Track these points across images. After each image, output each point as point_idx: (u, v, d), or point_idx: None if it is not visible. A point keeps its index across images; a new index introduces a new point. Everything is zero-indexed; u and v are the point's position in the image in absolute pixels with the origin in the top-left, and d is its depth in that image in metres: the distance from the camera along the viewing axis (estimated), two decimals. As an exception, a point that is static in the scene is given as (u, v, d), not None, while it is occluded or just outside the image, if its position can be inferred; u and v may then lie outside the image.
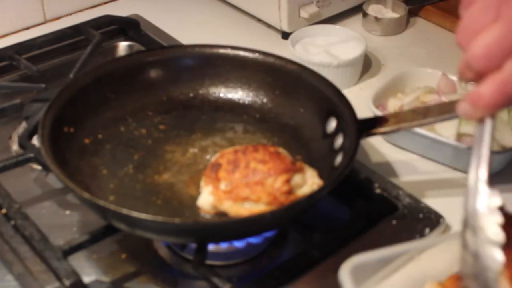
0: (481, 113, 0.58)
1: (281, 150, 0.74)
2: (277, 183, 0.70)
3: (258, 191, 0.70)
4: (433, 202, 0.77)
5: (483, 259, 0.56)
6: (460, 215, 0.76)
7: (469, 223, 0.58)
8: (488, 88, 0.56)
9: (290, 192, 0.71)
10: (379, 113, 0.84)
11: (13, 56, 0.98)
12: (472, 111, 0.58)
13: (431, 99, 0.87)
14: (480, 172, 0.58)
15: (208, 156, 0.80)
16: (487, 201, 0.57)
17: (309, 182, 0.72)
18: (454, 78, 0.91)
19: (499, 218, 0.56)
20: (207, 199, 0.72)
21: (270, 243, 0.76)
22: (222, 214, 0.71)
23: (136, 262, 0.75)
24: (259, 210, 0.69)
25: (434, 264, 0.62)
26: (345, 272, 0.58)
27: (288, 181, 0.70)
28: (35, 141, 0.82)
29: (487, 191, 0.57)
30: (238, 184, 0.70)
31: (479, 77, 0.57)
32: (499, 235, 0.56)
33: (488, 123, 0.59)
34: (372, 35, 1.09)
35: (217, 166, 0.72)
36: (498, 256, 0.55)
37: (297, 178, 0.71)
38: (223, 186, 0.71)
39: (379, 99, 0.89)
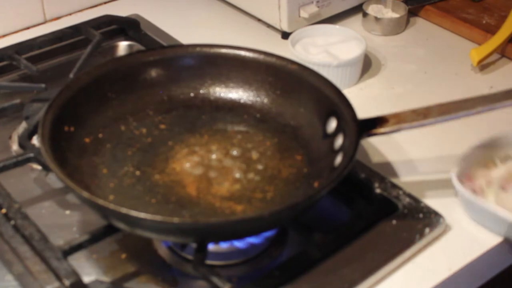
0: None
1: None
2: None
3: None
4: (433, 202, 0.77)
5: None
6: (460, 215, 0.77)
7: None
8: None
9: None
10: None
11: (13, 56, 0.98)
12: None
13: None
14: None
15: (208, 156, 0.80)
16: None
17: None
18: None
19: None
20: None
21: (270, 243, 0.76)
22: None
23: (136, 262, 0.75)
24: None
25: None
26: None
27: None
28: (35, 141, 0.82)
29: None
30: None
31: None
32: None
33: None
34: (372, 35, 1.09)
35: None
36: None
37: None
38: None
39: (465, 168, 0.77)
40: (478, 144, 0.79)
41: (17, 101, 0.91)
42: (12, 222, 0.72)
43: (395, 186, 0.78)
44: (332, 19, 1.09)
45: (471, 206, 0.76)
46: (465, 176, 0.77)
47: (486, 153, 0.79)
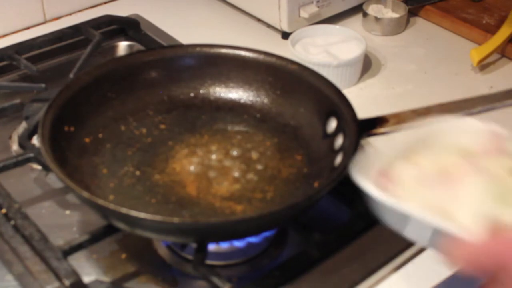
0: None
1: None
2: None
3: None
4: (433, 202, 0.77)
5: None
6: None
7: None
8: None
9: None
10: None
11: (13, 56, 0.98)
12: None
13: (462, 167, 0.60)
14: None
15: (208, 156, 0.80)
16: None
17: None
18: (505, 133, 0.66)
19: None
20: None
21: (270, 243, 0.76)
22: None
23: (136, 262, 0.75)
24: None
25: None
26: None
27: None
28: (35, 141, 0.82)
29: None
30: None
31: None
32: None
33: None
34: (372, 35, 1.09)
35: None
36: None
37: None
38: None
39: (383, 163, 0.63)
40: (403, 137, 0.68)
41: (17, 101, 0.91)
42: (12, 222, 0.72)
43: (395, 186, 0.78)
44: (332, 19, 1.09)
45: (383, 208, 0.60)
46: (382, 174, 0.62)
47: (411, 148, 0.65)
